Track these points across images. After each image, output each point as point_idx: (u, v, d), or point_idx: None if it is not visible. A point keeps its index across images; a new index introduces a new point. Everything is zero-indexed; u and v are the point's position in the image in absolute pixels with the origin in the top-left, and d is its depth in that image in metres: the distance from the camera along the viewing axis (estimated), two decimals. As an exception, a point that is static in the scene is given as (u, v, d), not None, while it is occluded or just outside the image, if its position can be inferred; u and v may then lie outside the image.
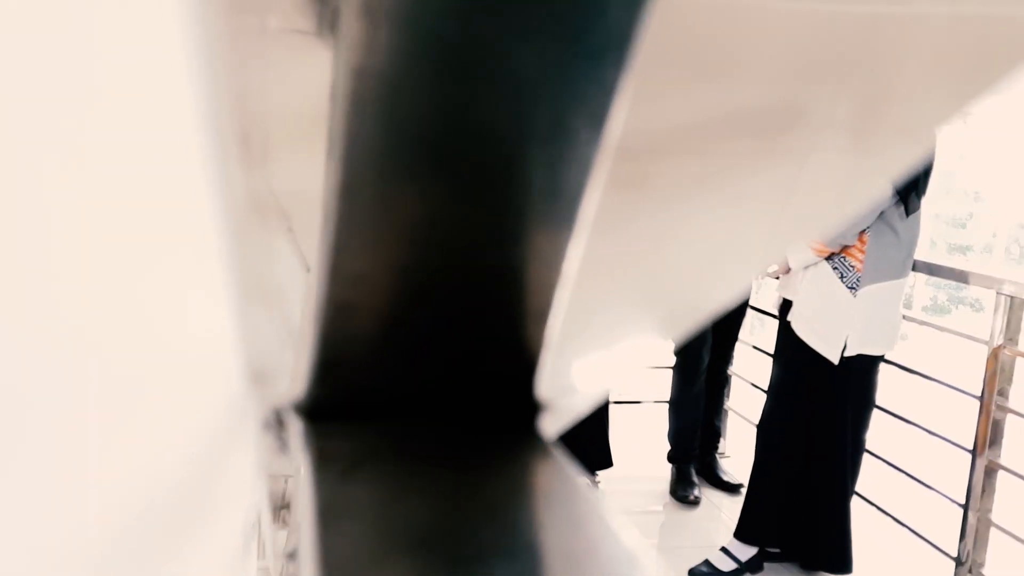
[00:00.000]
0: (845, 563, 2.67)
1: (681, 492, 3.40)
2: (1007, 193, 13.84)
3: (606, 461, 3.34)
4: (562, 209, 0.31)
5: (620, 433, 3.64)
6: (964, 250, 14.21)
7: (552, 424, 0.39)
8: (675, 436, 3.49)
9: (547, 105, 0.28)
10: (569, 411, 0.45)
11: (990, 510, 2.56)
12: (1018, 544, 2.47)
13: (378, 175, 0.29)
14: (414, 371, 0.36)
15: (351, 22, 0.25)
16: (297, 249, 0.40)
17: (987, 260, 13.55)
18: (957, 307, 12.59)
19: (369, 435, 0.36)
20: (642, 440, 3.77)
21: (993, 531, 2.57)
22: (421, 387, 0.36)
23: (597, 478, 3.41)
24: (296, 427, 0.35)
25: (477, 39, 0.26)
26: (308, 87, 0.33)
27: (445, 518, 0.30)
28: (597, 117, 0.29)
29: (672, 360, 3.48)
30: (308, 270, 0.36)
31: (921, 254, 2.67)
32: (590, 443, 3.31)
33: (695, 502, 3.37)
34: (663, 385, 3.57)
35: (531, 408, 0.38)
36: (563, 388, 0.42)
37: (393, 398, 0.36)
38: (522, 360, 0.36)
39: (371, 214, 0.30)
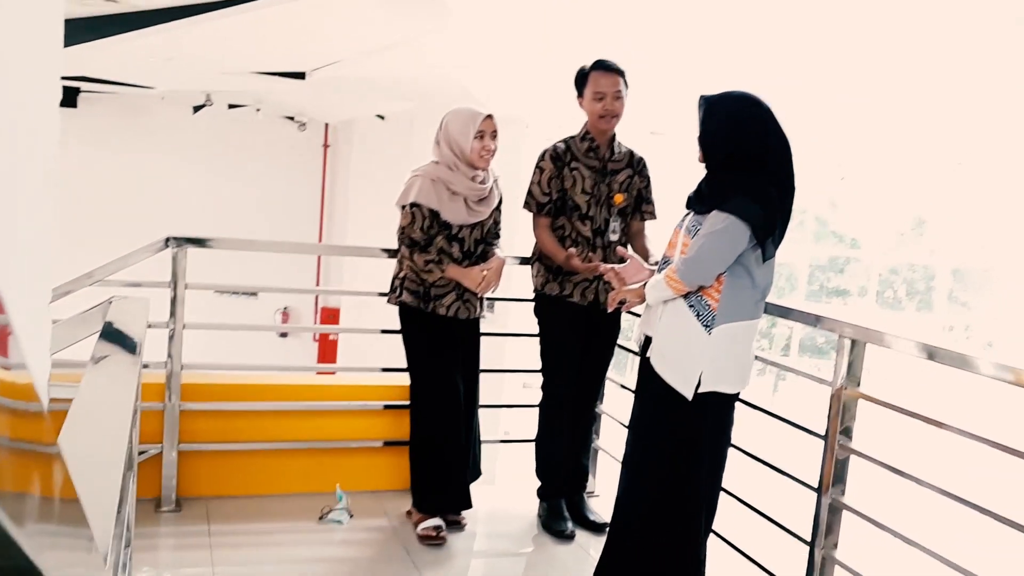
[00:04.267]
0: None
1: (555, 527, 3.37)
2: (881, 239, 14.59)
3: (465, 502, 3.29)
4: None
5: (489, 472, 3.60)
6: (842, 294, 14.87)
7: None
8: (542, 473, 3.47)
9: None
10: None
11: (835, 546, 2.63)
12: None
13: None
14: None
15: None
16: None
17: (862, 304, 14.20)
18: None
19: None
20: (512, 479, 3.74)
21: (838, 568, 2.63)
22: None
23: (463, 519, 3.35)
24: None
25: None
26: None
27: None
28: None
29: (538, 397, 3.47)
30: None
31: (796, 299, 2.75)
32: (449, 485, 3.25)
33: (571, 536, 3.34)
34: (532, 423, 3.56)
35: None
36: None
37: None
38: None
39: None
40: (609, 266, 2.93)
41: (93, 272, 3.09)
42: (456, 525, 3.32)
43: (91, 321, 2.24)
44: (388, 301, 3.24)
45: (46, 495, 0.53)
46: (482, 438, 3.47)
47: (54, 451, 0.57)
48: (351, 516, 3.35)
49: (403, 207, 3.11)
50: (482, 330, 3.40)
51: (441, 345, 3.19)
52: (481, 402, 3.47)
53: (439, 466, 3.23)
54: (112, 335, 1.93)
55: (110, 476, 1.05)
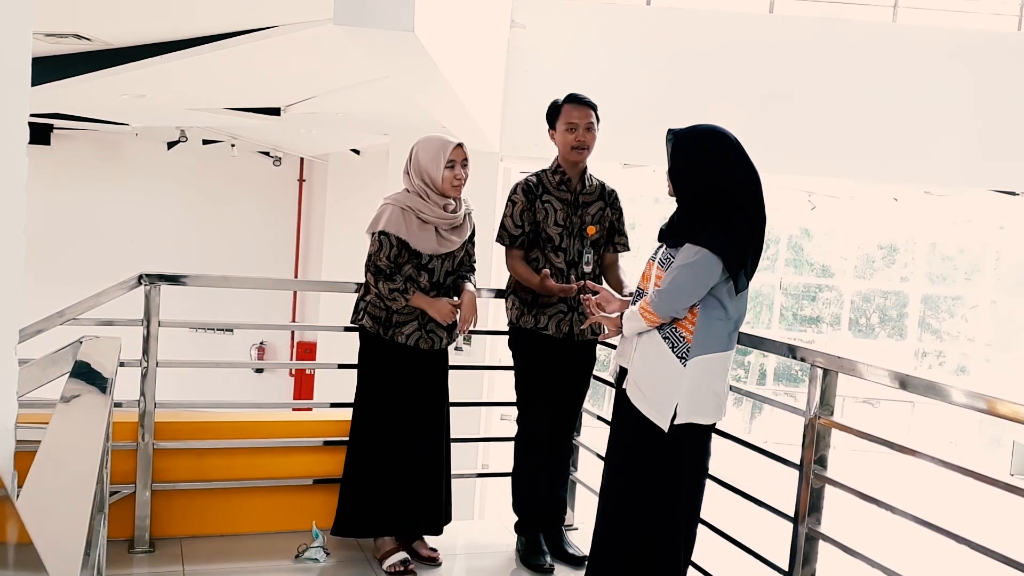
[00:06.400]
0: None
1: (534, 561, 3.35)
2: (852, 268, 14.75)
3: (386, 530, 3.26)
4: None
5: (467, 506, 3.57)
6: (815, 322, 14.99)
7: None
8: (519, 508, 3.45)
9: None
10: None
11: (813, 576, 2.63)
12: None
13: None
14: None
15: None
16: None
17: (835, 332, 14.32)
18: (810, 376, 13.13)
19: None
20: (490, 513, 3.72)
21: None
22: None
23: (439, 556, 3.32)
24: None
25: None
26: None
27: None
28: None
29: (514, 431, 3.46)
30: None
31: (770, 328, 2.77)
32: (371, 513, 3.22)
33: (549, 570, 3.32)
34: (511, 456, 3.54)
35: None
36: None
37: None
38: None
39: None
40: (586, 295, 2.96)
41: (65, 311, 3.06)
42: (431, 562, 3.29)
43: (61, 361, 2.22)
44: (351, 321, 3.24)
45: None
46: (461, 471, 3.44)
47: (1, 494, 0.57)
48: (327, 554, 3.31)
49: (372, 234, 3.12)
50: (458, 363, 3.39)
51: (396, 375, 3.17)
52: (458, 435, 3.45)
53: (362, 496, 3.20)
54: (82, 374, 1.91)
55: (77, 518, 1.04)
